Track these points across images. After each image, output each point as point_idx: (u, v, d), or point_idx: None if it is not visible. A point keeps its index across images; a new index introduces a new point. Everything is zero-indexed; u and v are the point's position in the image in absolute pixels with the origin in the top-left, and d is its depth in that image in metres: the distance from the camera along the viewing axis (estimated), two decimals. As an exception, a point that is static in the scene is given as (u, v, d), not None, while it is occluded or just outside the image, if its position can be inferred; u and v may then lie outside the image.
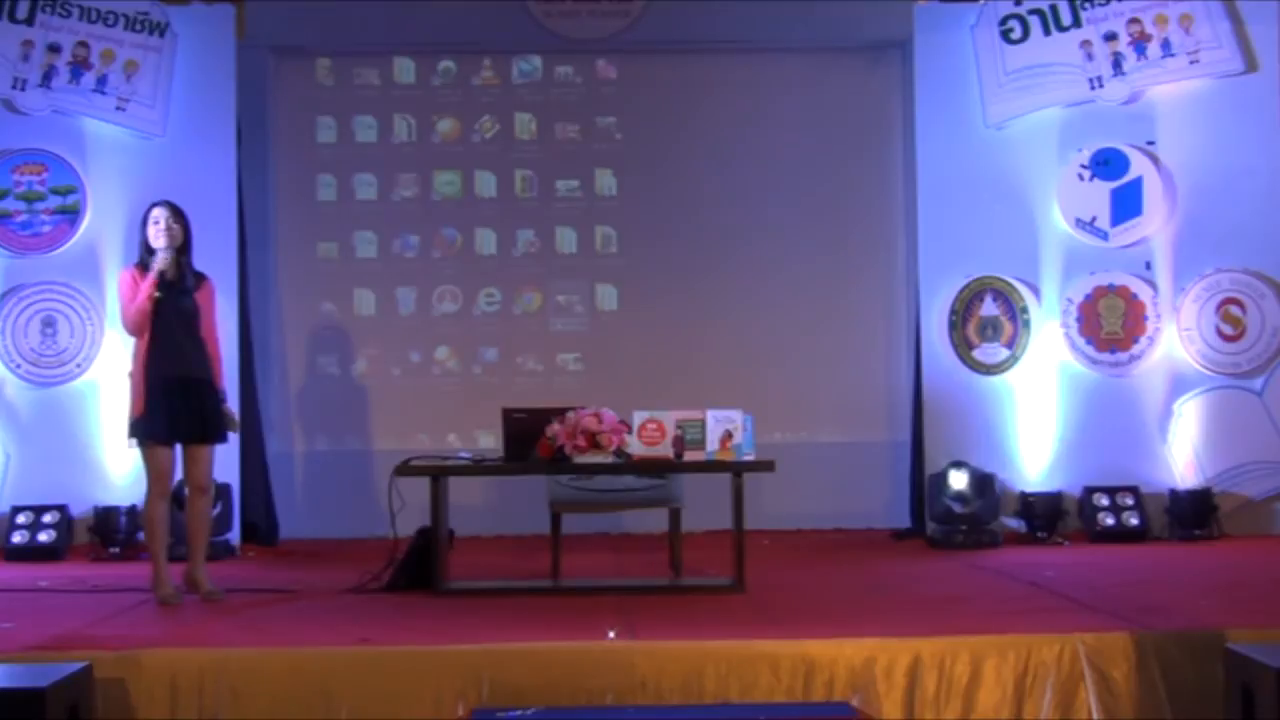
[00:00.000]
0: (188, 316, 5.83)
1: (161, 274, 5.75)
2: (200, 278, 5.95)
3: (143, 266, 5.81)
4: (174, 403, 5.75)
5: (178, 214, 5.83)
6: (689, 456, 5.80)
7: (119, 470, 7.50)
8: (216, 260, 7.59)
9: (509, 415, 5.94)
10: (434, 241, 8.43)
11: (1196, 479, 7.59)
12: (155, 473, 5.79)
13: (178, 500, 7.33)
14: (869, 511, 8.24)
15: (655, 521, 7.06)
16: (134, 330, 5.79)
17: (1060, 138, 7.79)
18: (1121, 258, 7.76)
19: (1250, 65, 7.72)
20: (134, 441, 5.84)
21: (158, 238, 5.77)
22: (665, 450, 5.80)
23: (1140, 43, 7.74)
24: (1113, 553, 7.03)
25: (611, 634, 4.80)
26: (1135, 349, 7.70)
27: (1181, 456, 7.63)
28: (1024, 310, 7.72)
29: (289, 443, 8.26)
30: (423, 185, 8.43)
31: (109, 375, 7.56)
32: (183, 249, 5.84)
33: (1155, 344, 7.69)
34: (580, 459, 5.75)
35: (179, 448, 5.82)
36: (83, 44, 7.63)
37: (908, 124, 8.10)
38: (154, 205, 5.87)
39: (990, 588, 5.99)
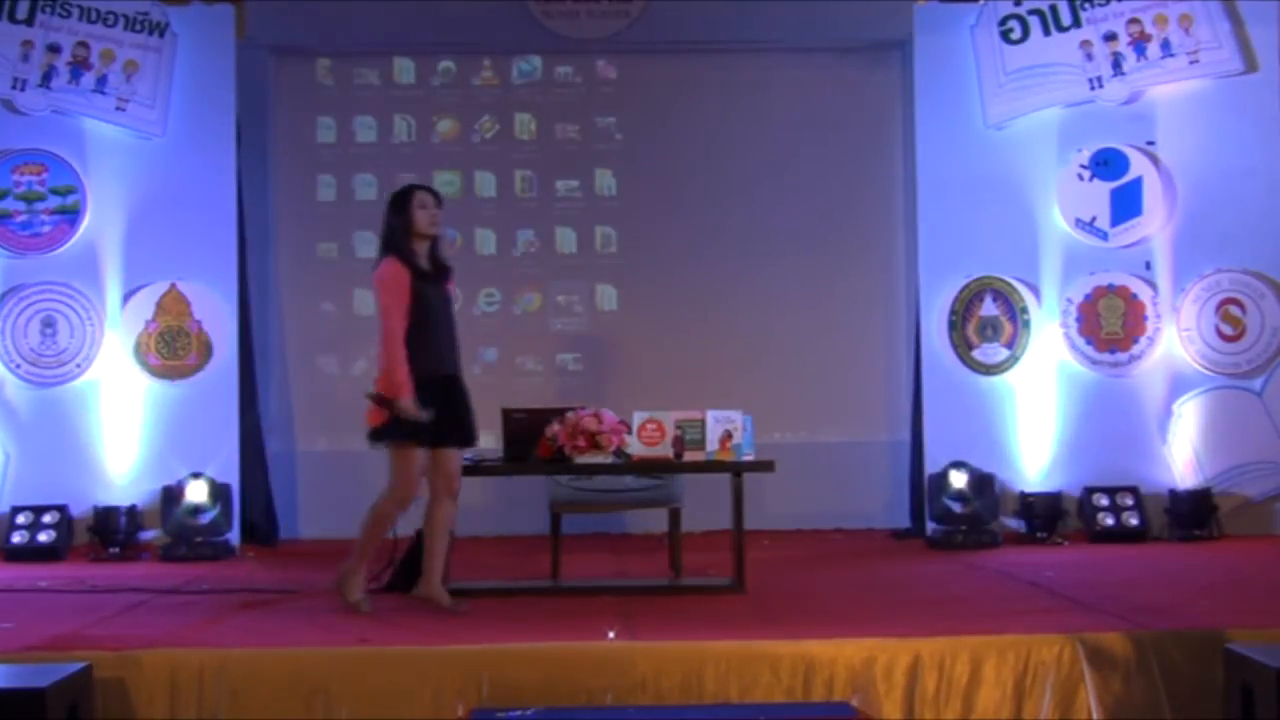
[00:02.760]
0: (446, 309, 5.55)
1: (418, 265, 5.45)
2: (448, 267, 5.64)
3: (400, 254, 5.43)
4: (437, 403, 5.42)
5: (438, 198, 5.54)
6: (689, 456, 5.81)
7: (119, 470, 7.51)
8: (216, 260, 7.66)
9: (509, 415, 5.95)
10: (434, 241, 8.42)
11: (1196, 479, 7.59)
12: (408, 476, 5.43)
13: (169, 499, 7.38)
14: (869, 511, 8.24)
15: (655, 521, 7.07)
16: (393, 359, 5.38)
17: (1060, 138, 7.78)
18: (1121, 258, 7.76)
19: (1250, 65, 7.72)
20: (381, 444, 5.50)
21: (431, 225, 5.46)
22: (665, 450, 5.80)
23: (1140, 43, 7.74)
24: (1112, 553, 7.03)
25: (611, 634, 4.80)
26: (1135, 349, 7.70)
27: (1181, 456, 7.63)
28: (1024, 310, 7.72)
29: (289, 443, 8.26)
30: (423, 185, 8.43)
31: (109, 375, 7.58)
32: (436, 236, 5.55)
33: (1155, 344, 7.69)
34: (580, 459, 5.75)
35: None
36: (82, 44, 7.63)
37: (908, 124, 8.10)
38: (415, 188, 5.54)
39: (990, 588, 6.00)
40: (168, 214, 7.61)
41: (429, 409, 5.38)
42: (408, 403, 5.37)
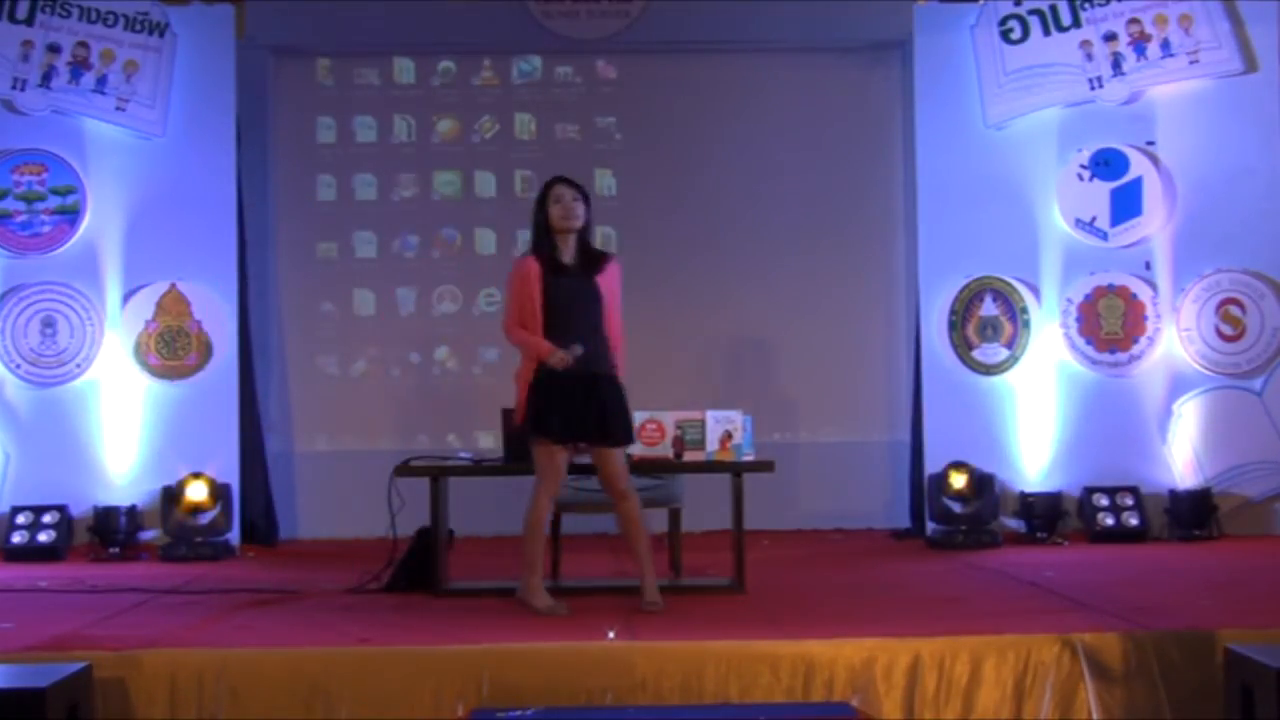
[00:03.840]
0: (588, 304, 5.40)
1: (556, 260, 5.40)
2: (603, 258, 5.51)
3: (539, 252, 5.42)
4: (570, 401, 5.33)
5: (580, 191, 5.44)
6: (689, 457, 5.82)
7: (119, 470, 7.51)
8: (216, 260, 7.66)
9: (509, 415, 5.93)
10: (434, 241, 8.43)
11: (1196, 479, 7.59)
12: (541, 471, 5.39)
13: (169, 499, 7.38)
14: (869, 511, 8.24)
15: (655, 521, 7.05)
16: (513, 341, 5.47)
17: (1060, 138, 7.78)
18: (1121, 258, 7.76)
19: (1250, 65, 7.72)
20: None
21: (564, 220, 5.38)
22: (665, 450, 5.81)
23: (1140, 43, 7.74)
24: (1112, 553, 7.03)
25: (611, 634, 4.81)
26: (1135, 349, 7.70)
27: (1181, 457, 7.63)
28: (1024, 310, 7.71)
29: (289, 443, 8.26)
30: (422, 185, 8.43)
31: (109, 375, 7.58)
32: (583, 229, 5.44)
33: (1155, 344, 7.69)
34: (580, 459, 5.75)
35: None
36: (82, 44, 7.63)
37: (908, 124, 8.09)
38: (554, 182, 5.45)
39: (990, 588, 6.00)
40: (168, 214, 7.61)
41: (557, 405, 5.34)
42: (551, 354, 5.33)
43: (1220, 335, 7.67)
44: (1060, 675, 4.52)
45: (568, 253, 5.45)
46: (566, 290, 5.40)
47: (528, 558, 5.48)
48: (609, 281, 5.49)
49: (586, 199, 5.48)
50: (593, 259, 5.49)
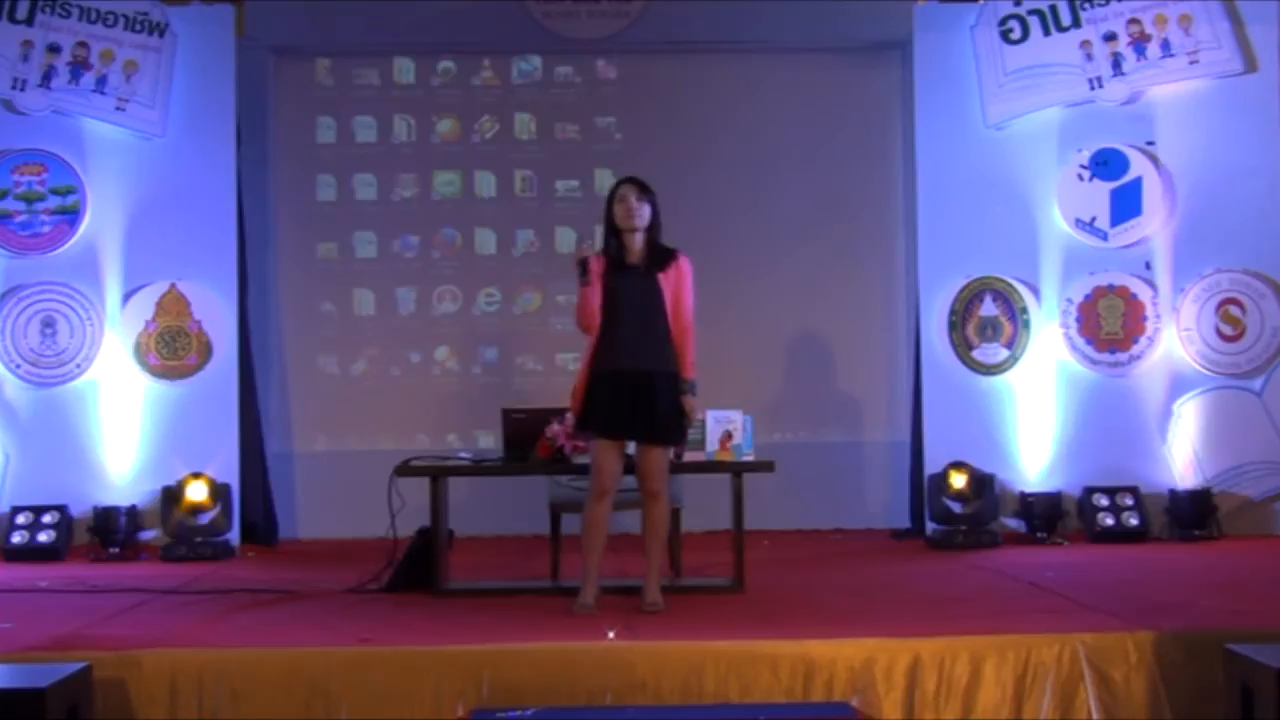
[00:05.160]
0: (646, 303, 5.39)
1: (618, 259, 5.44)
2: (669, 255, 5.48)
3: (606, 251, 5.47)
4: (619, 397, 5.33)
5: (645, 191, 5.45)
6: (689, 456, 5.81)
7: (119, 470, 7.51)
8: (216, 260, 7.66)
9: (509, 415, 5.95)
10: (434, 241, 8.43)
11: (1196, 479, 7.59)
12: (593, 469, 5.39)
13: (169, 499, 7.38)
14: (869, 511, 8.24)
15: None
16: (583, 328, 5.46)
17: (1060, 138, 7.78)
18: (1121, 258, 7.76)
19: (1250, 65, 7.72)
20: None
21: (626, 219, 5.40)
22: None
23: (1140, 43, 7.74)
24: (1113, 553, 7.03)
25: (611, 634, 4.81)
26: (1135, 349, 7.70)
27: (1181, 457, 7.63)
28: (1024, 310, 7.72)
29: (289, 443, 8.26)
30: (422, 185, 8.43)
31: (109, 375, 7.58)
32: (650, 227, 5.46)
33: (1155, 344, 7.69)
34: (580, 459, 5.75)
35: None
36: (82, 44, 7.63)
37: (908, 124, 8.10)
38: (622, 182, 5.48)
39: (990, 588, 6.00)
40: (168, 214, 7.61)
41: (604, 402, 5.35)
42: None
43: (1220, 335, 7.67)
44: (1060, 675, 4.52)
45: (633, 252, 5.47)
46: (624, 287, 5.41)
47: (585, 555, 5.48)
48: (674, 279, 5.46)
49: (653, 199, 5.49)
50: (659, 257, 5.49)
